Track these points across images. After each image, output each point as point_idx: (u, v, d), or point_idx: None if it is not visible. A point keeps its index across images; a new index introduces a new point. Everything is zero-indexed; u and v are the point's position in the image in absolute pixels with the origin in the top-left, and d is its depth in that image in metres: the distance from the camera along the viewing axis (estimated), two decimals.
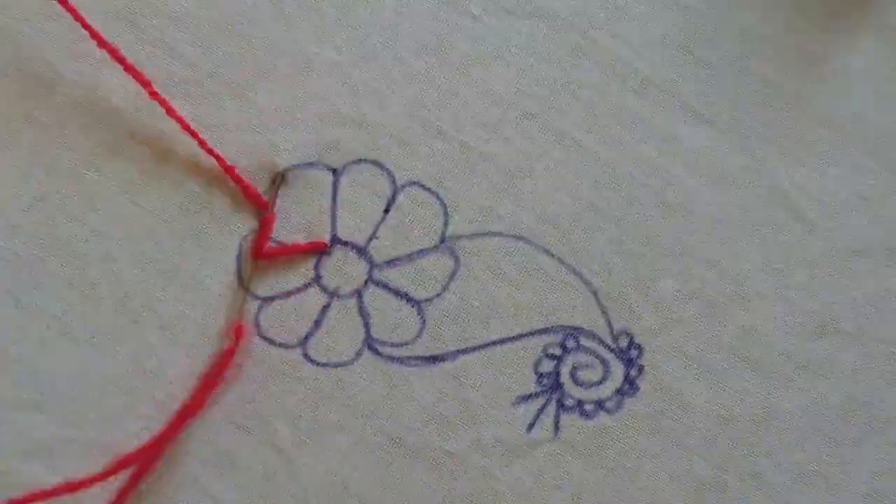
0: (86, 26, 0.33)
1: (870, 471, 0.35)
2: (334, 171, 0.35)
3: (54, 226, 0.33)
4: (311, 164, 0.35)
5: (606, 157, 0.36)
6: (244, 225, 0.35)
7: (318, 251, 0.35)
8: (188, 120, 0.34)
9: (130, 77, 0.33)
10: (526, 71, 0.36)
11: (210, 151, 0.34)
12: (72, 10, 0.33)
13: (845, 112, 0.37)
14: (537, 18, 0.36)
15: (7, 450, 0.33)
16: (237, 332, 0.33)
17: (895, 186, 0.37)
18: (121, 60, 0.33)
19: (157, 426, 0.33)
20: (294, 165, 0.35)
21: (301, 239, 0.35)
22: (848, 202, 0.36)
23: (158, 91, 0.34)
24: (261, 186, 0.35)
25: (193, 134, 0.34)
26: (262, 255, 0.33)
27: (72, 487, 0.30)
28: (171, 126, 0.34)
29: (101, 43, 0.33)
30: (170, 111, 0.34)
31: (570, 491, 0.35)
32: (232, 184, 0.34)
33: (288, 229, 0.35)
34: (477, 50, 0.36)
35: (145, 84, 0.33)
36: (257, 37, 0.35)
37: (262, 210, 0.34)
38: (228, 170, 0.34)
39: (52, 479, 0.33)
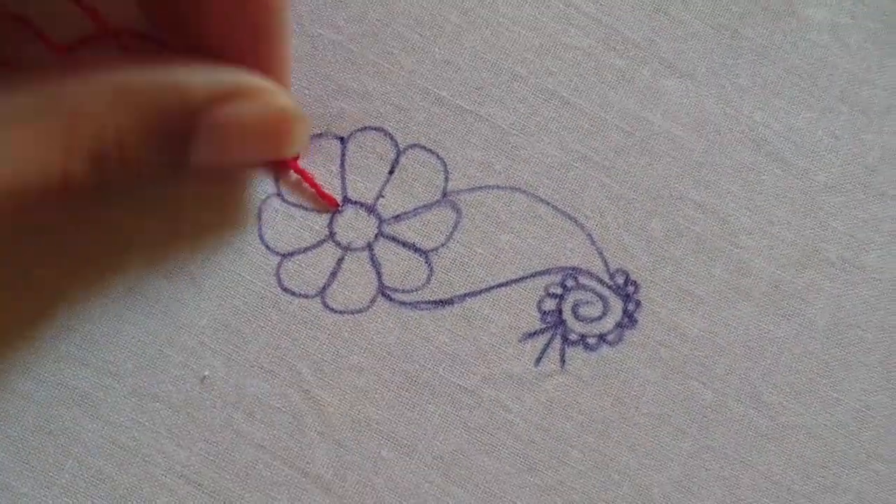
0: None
1: (861, 388, 0.38)
2: (341, 139, 0.39)
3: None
4: (319, 135, 0.39)
5: (592, 113, 0.40)
6: (262, 190, 0.39)
7: (331, 207, 0.38)
8: None
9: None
10: (513, 38, 0.40)
11: None
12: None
13: (812, 60, 0.41)
14: None
15: (51, 399, 0.36)
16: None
17: (864, 126, 0.41)
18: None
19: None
20: None
21: (314, 203, 0.39)
22: (822, 142, 0.40)
23: None
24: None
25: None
26: (294, 165, 0.38)
27: None
28: None
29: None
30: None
31: (579, 419, 0.38)
32: None
33: (302, 193, 0.39)
34: (467, 20, 0.40)
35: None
36: None
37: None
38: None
39: (94, 426, 0.36)
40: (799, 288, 0.40)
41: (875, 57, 0.41)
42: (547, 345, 0.39)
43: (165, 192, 0.38)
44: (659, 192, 0.40)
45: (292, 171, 0.39)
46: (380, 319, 0.39)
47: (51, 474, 0.36)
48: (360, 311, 0.39)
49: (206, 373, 0.37)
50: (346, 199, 0.40)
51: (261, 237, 0.39)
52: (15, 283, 0.37)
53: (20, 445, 0.36)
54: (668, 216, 0.40)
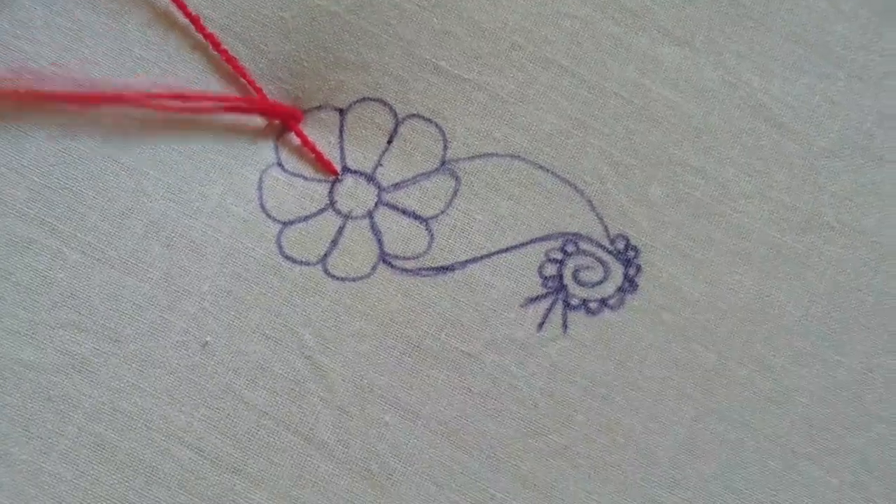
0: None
1: (863, 351, 0.39)
2: (340, 111, 0.40)
3: (88, 161, 0.38)
4: (319, 107, 0.40)
5: (591, 80, 0.40)
6: (263, 160, 0.39)
7: (331, 175, 0.39)
8: (205, 70, 0.39)
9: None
10: (511, 7, 0.40)
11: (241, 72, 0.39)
12: None
13: (809, 26, 0.41)
14: None
15: (50, 366, 0.36)
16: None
17: (861, 91, 0.41)
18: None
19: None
20: (304, 110, 0.39)
21: (314, 171, 0.39)
22: (820, 107, 0.41)
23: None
24: (275, 129, 0.40)
25: (228, 59, 0.38)
26: (296, 128, 0.39)
27: None
28: (193, 74, 0.39)
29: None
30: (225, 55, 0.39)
31: (583, 384, 0.38)
32: (251, 122, 0.39)
33: (302, 162, 0.39)
34: None
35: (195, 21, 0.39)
36: None
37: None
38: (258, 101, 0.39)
39: (94, 392, 0.36)
40: (799, 252, 0.40)
41: (871, 23, 0.42)
42: (549, 309, 0.39)
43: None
44: (658, 157, 0.40)
45: (294, 134, 0.39)
46: (381, 286, 0.39)
47: (51, 441, 0.36)
48: (361, 278, 0.39)
49: (208, 338, 0.38)
50: (346, 169, 0.40)
51: (262, 205, 0.39)
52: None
53: (20, 412, 0.36)
54: (668, 182, 0.40)
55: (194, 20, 0.39)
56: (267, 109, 0.39)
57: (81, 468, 0.36)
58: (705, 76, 0.41)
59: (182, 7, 0.39)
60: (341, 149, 0.40)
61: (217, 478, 0.37)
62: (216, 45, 0.39)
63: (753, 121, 0.41)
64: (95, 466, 0.36)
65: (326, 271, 0.39)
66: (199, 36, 0.40)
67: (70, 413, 0.36)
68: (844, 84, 0.42)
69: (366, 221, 0.40)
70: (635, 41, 0.41)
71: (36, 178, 0.38)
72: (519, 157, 0.40)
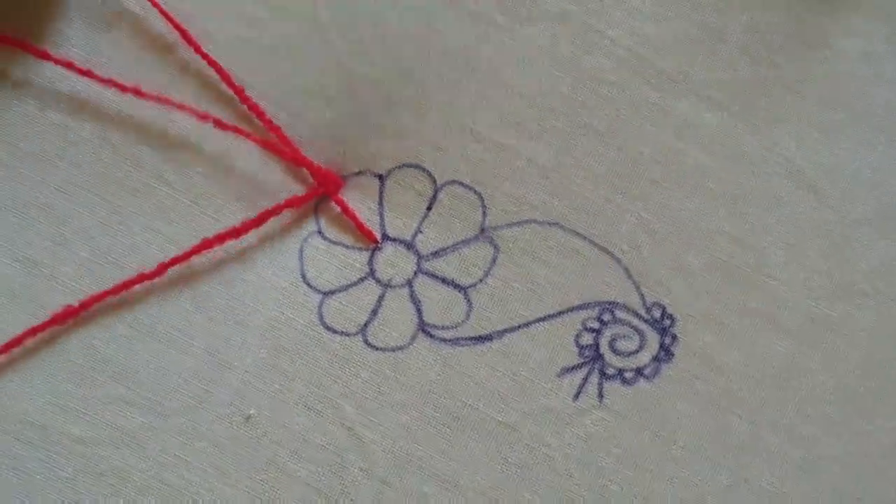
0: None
1: (895, 420, 0.40)
2: (380, 177, 0.40)
3: (130, 235, 0.38)
4: (358, 173, 0.40)
5: (628, 146, 0.41)
6: (304, 230, 0.40)
7: (371, 243, 0.40)
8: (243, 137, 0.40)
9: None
10: (549, 72, 0.41)
11: (280, 135, 0.39)
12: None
13: (850, 91, 0.42)
14: (555, 22, 0.41)
15: (101, 440, 0.38)
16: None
17: None
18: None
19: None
20: (345, 176, 0.40)
21: (354, 239, 0.40)
22: (859, 174, 0.41)
23: (202, 109, 0.40)
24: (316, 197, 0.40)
25: (271, 127, 0.40)
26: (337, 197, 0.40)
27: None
28: (234, 144, 0.39)
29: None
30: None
31: (617, 453, 0.39)
32: (293, 190, 0.40)
33: (342, 230, 0.40)
34: (502, 56, 0.41)
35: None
36: (299, 57, 0.40)
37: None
38: (298, 155, 0.39)
39: (143, 465, 0.37)
40: (833, 320, 0.41)
41: None
42: (585, 379, 0.40)
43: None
44: (695, 225, 0.41)
45: (335, 203, 0.40)
46: (420, 356, 0.40)
47: None
48: (400, 349, 0.40)
49: (252, 411, 0.39)
50: (385, 237, 0.41)
51: (303, 275, 0.40)
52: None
53: (72, 486, 0.38)
54: (704, 249, 0.41)
55: (238, 91, 0.40)
56: (311, 167, 0.40)
57: None
58: (742, 142, 0.42)
59: (227, 79, 0.40)
60: (381, 216, 0.41)
61: None
62: (261, 115, 0.40)
63: (790, 188, 0.41)
64: None
65: (366, 341, 0.40)
66: (244, 107, 0.40)
67: (120, 487, 0.38)
68: (884, 150, 0.42)
69: (405, 290, 0.40)
70: (672, 106, 0.42)
71: (83, 254, 0.39)
72: (557, 224, 0.41)
